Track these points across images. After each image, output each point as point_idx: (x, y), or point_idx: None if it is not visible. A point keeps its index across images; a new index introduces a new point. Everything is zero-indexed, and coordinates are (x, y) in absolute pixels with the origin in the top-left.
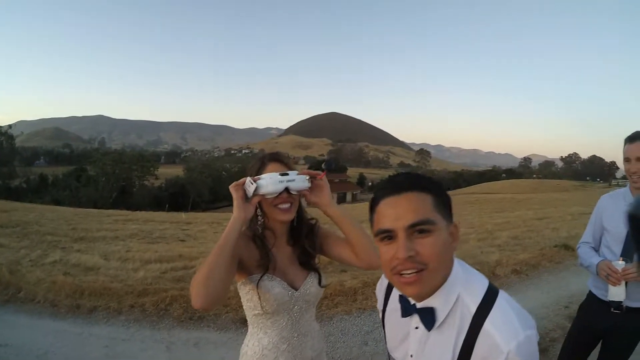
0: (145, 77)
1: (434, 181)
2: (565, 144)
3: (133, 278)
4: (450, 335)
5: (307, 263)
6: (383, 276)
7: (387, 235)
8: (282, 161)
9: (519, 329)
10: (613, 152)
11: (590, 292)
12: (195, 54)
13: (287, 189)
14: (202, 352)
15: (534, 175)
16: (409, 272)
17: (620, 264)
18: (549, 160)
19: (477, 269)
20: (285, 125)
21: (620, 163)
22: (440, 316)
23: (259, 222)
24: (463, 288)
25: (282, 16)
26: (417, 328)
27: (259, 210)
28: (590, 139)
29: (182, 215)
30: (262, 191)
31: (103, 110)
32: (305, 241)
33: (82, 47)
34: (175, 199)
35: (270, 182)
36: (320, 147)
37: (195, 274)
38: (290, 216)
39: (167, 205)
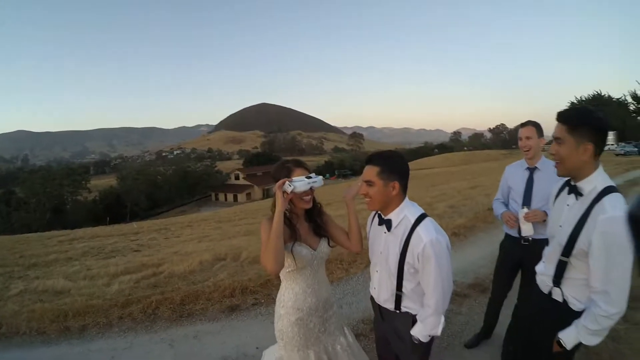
0: (65, 84)
1: (382, 159)
2: (493, 116)
3: (110, 292)
4: (399, 235)
5: (319, 232)
6: (372, 213)
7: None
8: (305, 166)
9: (434, 233)
10: (537, 120)
11: (505, 233)
12: (117, 56)
13: (311, 188)
14: (203, 342)
15: (465, 148)
16: (365, 199)
17: (523, 210)
18: (478, 133)
19: None
20: (215, 120)
21: (545, 131)
22: (394, 224)
23: (287, 208)
24: (408, 211)
25: (203, 10)
26: (384, 233)
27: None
28: (515, 109)
29: (134, 225)
30: (297, 190)
31: (22, 125)
32: (316, 218)
33: None
34: (112, 210)
35: (302, 184)
36: (253, 140)
37: (263, 252)
38: (310, 205)
39: (107, 219)
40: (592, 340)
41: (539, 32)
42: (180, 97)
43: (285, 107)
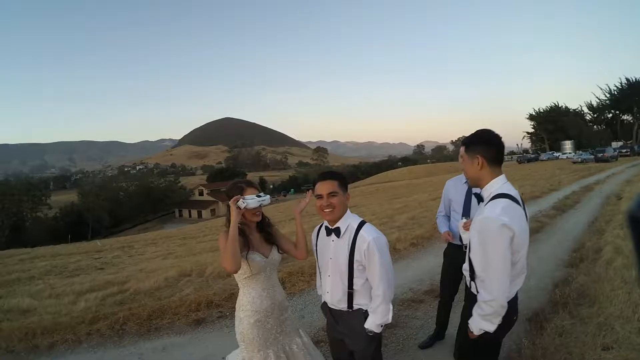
0: (23, 95)
1: (339, 175)
2: (455, 128)
3: (76, 310)
4: (345, 240)
5: (269, 241)
6: (315, 229)
7: (319, 196)
8: (255, 186)
9: (375, 233)
10: (498, 131)
11: (448, 243)
12: (77, 67)
13: (260, 205)
14: (172, 354)
15: (428, 160)
16: (327, 210)
17: (462, 220)
18: (440, 145)
19: None
20: (178, 135)
21: (505, 141)
22: (342, 230)
23: (241, 221)
24: (351, 220)
25: (166, 22)
26: (333, 241)
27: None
28: (475, 121)
29: (97, 243)
30: (249, 207)
31: None
32: (267, 229)
33: None
34: (73, 228)
35: (253, 201)
36: (217, 155)
37: (222, 257)
38: (259, 218)
39: (69, 236)
40: (486, 326)
41: (498, 46)
42: (143, 110)
43: (249, 122)
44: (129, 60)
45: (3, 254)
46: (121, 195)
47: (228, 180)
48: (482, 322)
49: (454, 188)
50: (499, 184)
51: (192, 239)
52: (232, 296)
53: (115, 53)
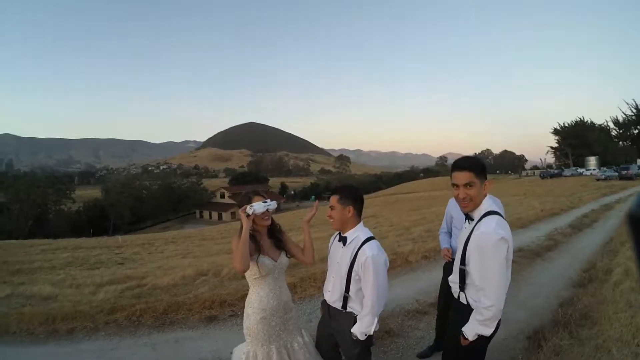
0: (53, 91)
1: (341, 190)
2: (479, 141)
3: (96, 300)
4: (350, 249)
5: (279, 246)
6: (335, 234)
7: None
8: (261, 195)
9: (376, 250)
10: (522, 146)
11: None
12: (106, 66)
13: (267, 210)
14: (183, 346)
15: None
16: (330, 220)
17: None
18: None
19: (393, 259)
20: (203, 137)
21: (529, 156)
22: (348, 240)
23: (252, 227)
24: (360, 233)
25: (196, 24)
26: (341, 247)
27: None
28: (497, 134)
29: (119, 239)
30: (256, 212)
31: (8, 128)
32: (277, 235)
33: None
34: (95, 222)
35: (260, 207)
36: (240, 159)
37: (234, 257)
38: (268, 222)
39: (91, 231)
40: (484, 330)
41: (523, 59)
42: (169, 112)
43: (273, 127)
44: (158, 62)
45: (25, 243)
46: (144, 194)
47: (250, 184)
48: (480, 327)
49: (457, 206)
50: (488, 203)
51: (210, 240)
52: (245, 296)
53: (145, 54)
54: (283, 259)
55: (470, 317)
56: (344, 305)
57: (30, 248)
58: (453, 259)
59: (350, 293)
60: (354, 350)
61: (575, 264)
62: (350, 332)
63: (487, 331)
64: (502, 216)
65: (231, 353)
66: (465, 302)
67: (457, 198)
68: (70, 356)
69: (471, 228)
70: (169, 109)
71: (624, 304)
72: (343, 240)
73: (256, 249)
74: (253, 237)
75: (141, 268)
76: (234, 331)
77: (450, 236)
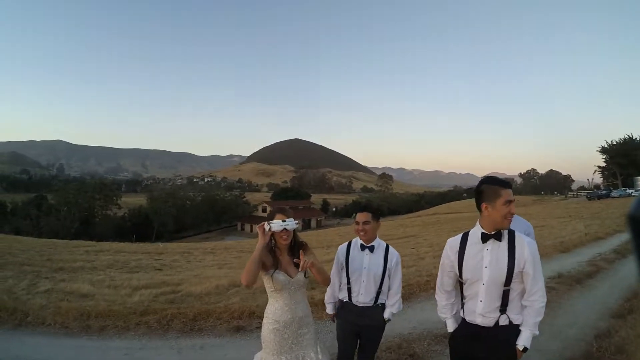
0: (105, 102)
1: (372, 207)
2: (524, 160)
3: (130, 302)
4: (380, 254)
5: (297, 264)
6: (343, 246)
7: (357, 222)
8: (283, 213)
9: (397, 252)
10: (569, 165)
11: None
12: (156, 80)
13: (285, 229)
14: (208, 353)
15: None
16: (361, 233)
17: None
18: (508, 177)
19: (427, 280)
20: (247, 152)
21: (575, 176)
22: (375, 248)
23: (273, 243)
24: (380, 241)
25: (243, 42)
26: (367, 255)
27: (273, 237)
28: (547, 154)
29: (160, 245)
30: (273, 229)
31: (61, 135)
32: (297, 253)
33: (39, 69)
34: (139, 229)
35: (276, 225)
36: (283, 174)
37: (244, 270)
38: (287, 242)
39: (134, 236)
40: (536, 331)
41: (569, 76)
42: (215, 126)
43: (317, 144)
44: (207, 79)
45: (70, 244)
46: (187, 204)
47: (292, 199)
48: (535, 329)
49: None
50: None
51: (249, 252)
52: None
53: (194, 72)
54: (300, 276)
55: (524, 326)
56: (376, 301)
57: (74, 248)
58: None
59: (382, 288)
60: (379, 335)
61: (616, 293)
62: (383, 317)
63: (537, 331)
64: None
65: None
66: (507, 323)
67: (509, 217)
68: (99, 351)
69: (506, 244)
70: (215, 123)
71: None
72: (370, 248)
73: (273, 264)
74: (273, 252)
75: (178, 275)
76: (259, 342)
77: None
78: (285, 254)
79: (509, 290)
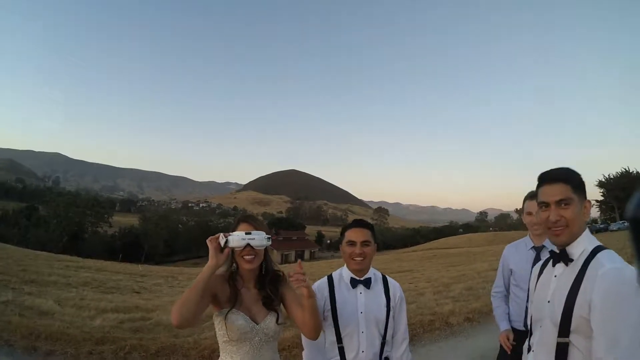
0: (105, 120)
1: (369, 224)
2: (519, 196)
3: (90, 325)
4: (378, 290)
5: (268, 304)
6: (320, 282)
7: (351, 242)
8: (250, 222)
9: (398, 284)
10: None
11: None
12: (156, 103)
13: (249, 244)
14: None
15: (490, 229)
16: (358, 259)
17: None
18: (504, 213)
19: (431, 319)
20: (244, 180)
21: None
22: (372, 281)
23: (233, 268)
24: (374, 269)
25: (244, 70)
26: (361, 293)
27: (234, 258)
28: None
29: (139, 267)
30: (230, 245)
31: (60, 148)
32: (269, 287)
33: (40, 78)
34: (129, 249)
35: (236, 238)
36: (279, 204)
37: (177, 301)
38: (252, 265)
39: (120, 255)
40: None
41: (563, 111)
42: (214, 153)
43: (313, 176)
44: (207, 107)
45: (53, 257)
46: (180, 228)
47: (286, 229)
48: None
49: (517, 255)
50: (589, 236)
51: None
52: None
53: (194, 100)
54: (269, 322)
55: None
56: (381, 354)
57: (56, 262)
58: (520, 329)
59: (387, 336)
60: None
61: None
62: None
63: None
64: None
65: None
66: None
67: (544, 223)
68: None
69: (576, 271)
70: (214, 150)
71: None
72: (364, 283)
73: (229, 300)
74: (232, 281)
75: (155, 300)
76: None
77: (508, 299)
78: (250, 285)
79: (567, 345)
